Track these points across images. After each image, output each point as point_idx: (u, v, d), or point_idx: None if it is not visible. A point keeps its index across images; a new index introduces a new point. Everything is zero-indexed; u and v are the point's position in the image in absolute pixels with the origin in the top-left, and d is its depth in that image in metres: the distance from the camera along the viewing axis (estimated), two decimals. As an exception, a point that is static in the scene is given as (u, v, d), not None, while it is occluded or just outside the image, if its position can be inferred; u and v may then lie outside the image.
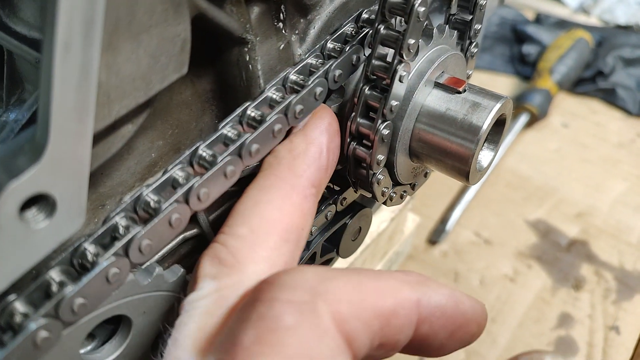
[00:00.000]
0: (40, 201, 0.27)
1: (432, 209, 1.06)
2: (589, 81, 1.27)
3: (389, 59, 0.41)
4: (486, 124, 0.43)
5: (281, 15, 0.40)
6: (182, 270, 0.38)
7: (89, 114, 0.26)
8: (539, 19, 1.45)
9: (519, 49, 1.34)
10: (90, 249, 0.31)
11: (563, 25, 1.41)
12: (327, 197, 0.51)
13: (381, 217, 0.77)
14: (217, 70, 0.41)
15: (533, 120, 1.19)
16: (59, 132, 0.25)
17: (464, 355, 0.87)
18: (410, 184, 0.51)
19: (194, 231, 0.45)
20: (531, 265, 1.00)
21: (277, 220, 0.35)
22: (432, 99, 0.44)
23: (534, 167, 1.16)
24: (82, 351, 0.35)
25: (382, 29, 0.40)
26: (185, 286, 0.39)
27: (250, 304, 0.28)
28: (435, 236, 1.00)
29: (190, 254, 0.47)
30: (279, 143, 0.38)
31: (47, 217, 0.27)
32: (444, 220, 1.03)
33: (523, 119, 1.17)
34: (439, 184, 1.10)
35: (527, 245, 1.03)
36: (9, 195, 0.25)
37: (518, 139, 1.19)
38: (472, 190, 1.06)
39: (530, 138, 1.20)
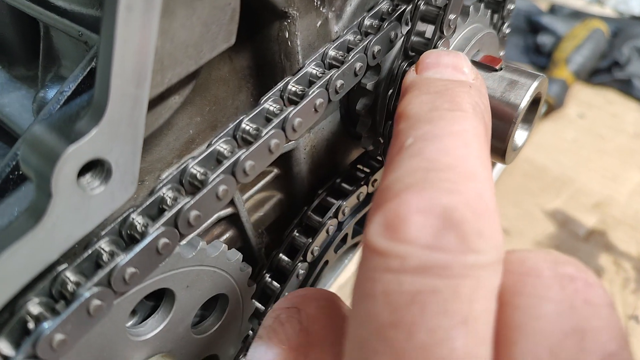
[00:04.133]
0: (96, 167, 0.27)
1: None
2: (605, 72, 1.26)
3: (427, 35, 0.41)
4: (524, 101, 0.42)
5: (320, -9, 0.40)
6: (223, 245, 0.38)
7: (147, 79, 0.26)
8: (553, 10, 1.44)
9: (533, 40, 1.34)
10: (138, 219, 0.31)
11: (578, 16, 1.40)
12: (359, 178, 0.51)
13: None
14: (256, 46, 0.41)
15: (550, 110, 1.18)
16: (118, 95, 0.25)
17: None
18: (441, 165, 0.51)
19: (228, 210, 0.45)
20: (549, 254, 0.99)
21: None
22: (469, 77, 0.44)
23: (551, 157, 1.15)
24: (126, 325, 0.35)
25: (422, 4, 0.40)
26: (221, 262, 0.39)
27: None
28: (453, 225, 1.00)
29: (222, 234, 0.47)
30: None
31: (102, 184, 0.27)
32: (461, 209, 1.03)
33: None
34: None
35: (545, 235, 1.02)
36: (68, 159, 0.25)
37: (534, 129, 1.18)
38: (490, 180, 1.06)
39: (547, 128, 1.20)
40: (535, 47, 1.32)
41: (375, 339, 0.23)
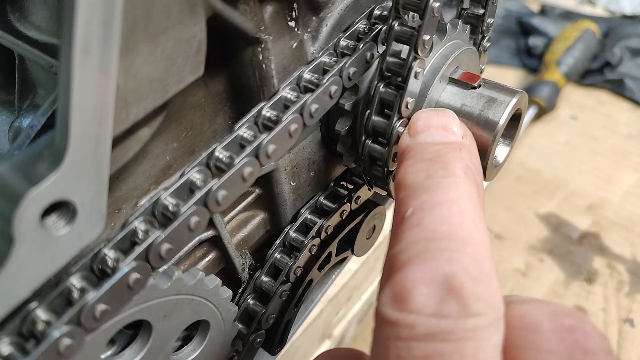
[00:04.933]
0: (61, 207, 0.27)
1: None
2: (596, 72, 1.26)
3: (403, 55, 0.40)
4: (503, 119, 0.42)
5: (294, 13, 0.40)
6: (200, 273, 0.38)
7: (109, 118, 0.26)
8: (544, 11, 1.44)
9: (525, 42, 1.33)
10: (110, 254, 0.31)
11: (569, 16, 1.40)
12: (342, 196, 0.50)
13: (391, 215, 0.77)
14: (230, 71, 0.40)
15: (541, 113, 1.18)
16: (79, 137, 0.25)
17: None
18: (424, 181, 0.50)
19: (209, 233, 0.45)
20: (543, 259, 0.99)
21: None
22: (447, 95, 0.44)
23: (544, 160, 1.15)
24: (102, 356, 0.35)
25: (396, 25, 0.39)
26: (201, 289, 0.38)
27: None
28: (446, 232, 1.00)
29: (205, 256, 0.46)
30: None
31: (68, 224, 0.27)
32: (454, 215, 1.02)
33: (531, 112, 1.16)
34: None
35: (539, 239, 1.02)
36: (30, 202, 0.25)
37: (527, 132, 1.18)
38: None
39: (539, 131, 1.20)
40: (527, 49, 1.32)
41: None
